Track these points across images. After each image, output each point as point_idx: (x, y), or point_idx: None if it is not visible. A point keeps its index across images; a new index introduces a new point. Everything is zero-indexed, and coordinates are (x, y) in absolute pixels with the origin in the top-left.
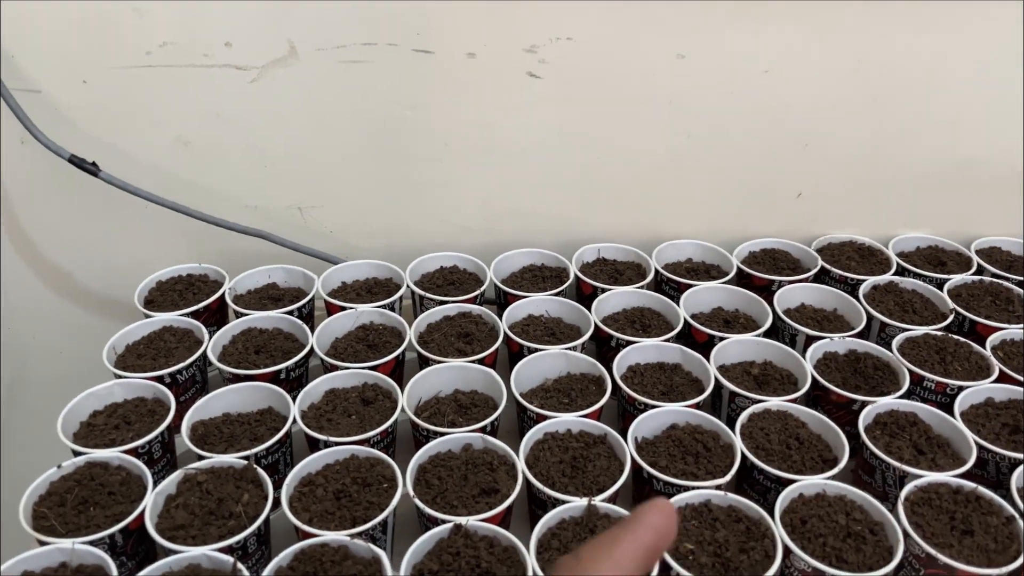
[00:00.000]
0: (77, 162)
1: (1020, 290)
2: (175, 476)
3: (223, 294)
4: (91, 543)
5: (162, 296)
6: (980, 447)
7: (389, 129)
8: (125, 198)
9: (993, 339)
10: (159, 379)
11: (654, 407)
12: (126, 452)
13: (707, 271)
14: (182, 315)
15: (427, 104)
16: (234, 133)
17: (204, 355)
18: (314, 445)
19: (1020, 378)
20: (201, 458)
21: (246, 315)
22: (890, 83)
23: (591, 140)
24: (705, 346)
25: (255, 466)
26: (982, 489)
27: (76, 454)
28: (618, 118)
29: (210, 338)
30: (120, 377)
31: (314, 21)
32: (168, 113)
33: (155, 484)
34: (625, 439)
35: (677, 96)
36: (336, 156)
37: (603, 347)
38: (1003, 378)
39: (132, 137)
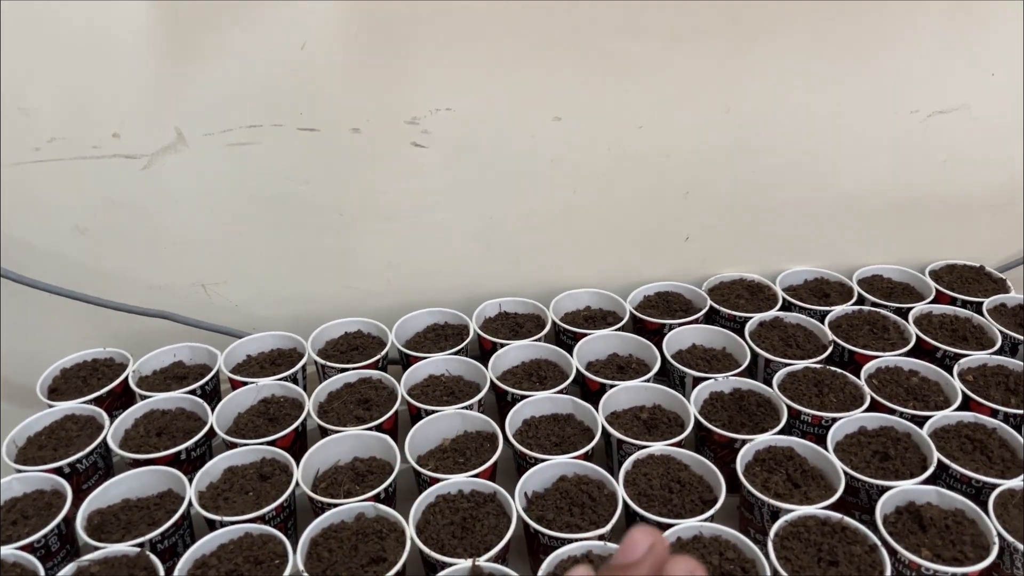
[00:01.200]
0: None
1: (895, 317)
2: (68, 570)
3: (127, 377)
4: None
5: (66, 383)
6: (849, 476)
7: (284, 204)
8: (26, 289)
9: (868, 368)
10: (58, 470)
11: (543, 460)
12: (21, 548)
13: (604, 318)
14: (84, 402)
15: (318, 177)
16: (131, 219)
17: (105, 441)
18: (211, 525)
19: (891, 405)
20: (95, 548)
21: (149, 397)
22: (759, 128)
23: (484, 200)
24: (598, 393)
25: (148, 553)
26: (847, 519)
27: None
28: (505, 179)
29: (113, 422)
30: (20, 471)
31: (199, 108)
32: (63, 204)
33: None
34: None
35: (558, 155)
36: (235, 233)
37: (500, 402)
38: (875, 406)
39: (29, 229)
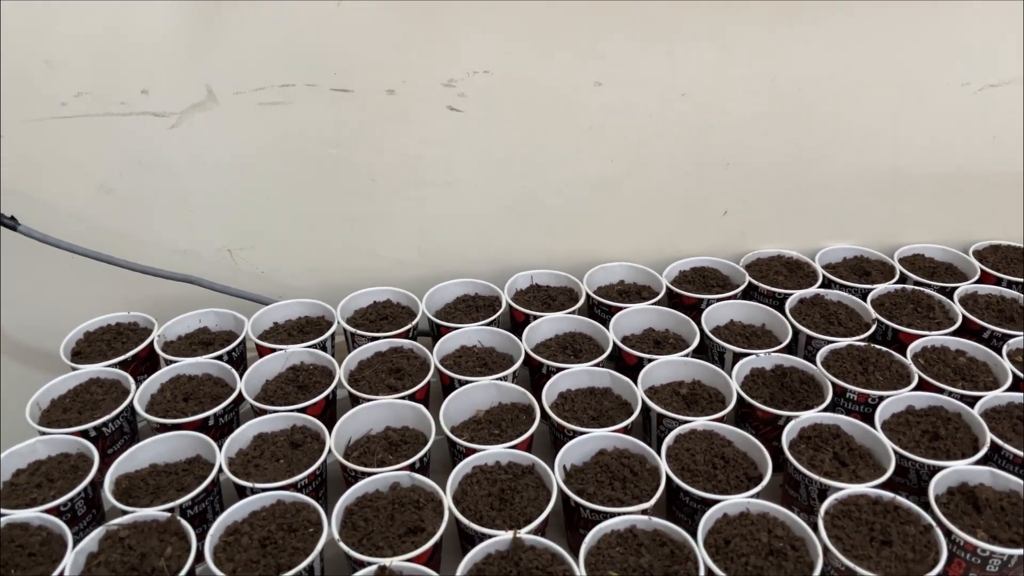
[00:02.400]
0: None
1: (941, 297)
2: (96, 533)
3: (152, 342)
4: None
5: (90, 347)
6: (899, 456)
7: (314, 168)
8: (48, 250)
9: (914, 347)
10: (84, 433)
11: (582, 433)
12: (47, 511)
13: (639, 292)
14: (109, 366)
15: (350, 141)
16: (157, 179)
17: (131, 406)
18: (241, 492)
19: (940, 384)
20: (124, 513)
21: (175, 362)
22: (804, 100)
23: (517, 169)
24: (635, 368)
25: (179, 518)
26: (900, 499)
27: None
28: (541, 146)
29: (138, 387)
30: (44, 434)
31: (230, 65)
32: (88, 162)
33: (77, 541)
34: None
35: (598, 123)
36: (263, 197)
37: (535, 375)
38: (923, 385)
39: (53, 188)
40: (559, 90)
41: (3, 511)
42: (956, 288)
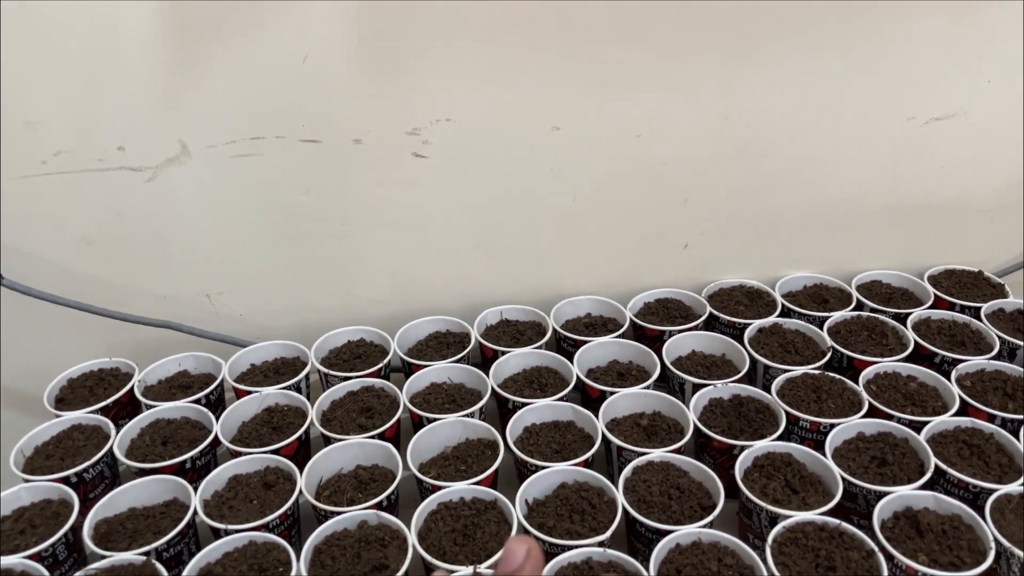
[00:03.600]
0: None
1: (893, 323)
2: None
3: (132, 387)
4: None
5: (73, 393)
6: (847, 482)
7: (287, 214)
8: (32, 300)
9: (866, 373)
10: (65, 480)
11: (543, 467)
12: (29, 557)
13: (604, 325)
14: (91, 412)
15: (320, 188)
16: (136, 230)
17: (111, 451)
18: (216, 533)
19: (888, 411)
20: (102, 557)
21: (155, 406)
22: (756, 135)
23: (483, 210)
24: (599, 400)
25: (154, 561)
26: (845, 525)
27: None
28: (506, 188)
29: (119, 432)
30: (28, 480)
31: (202, 120)
32: (69, 216)
33: None
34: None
35: (558, 164)
36: (238, 243)
37: (502, 408)
38: (873, 412)
39: (35, 241)
40: (519, 135)
41: None
42: (910, 313)
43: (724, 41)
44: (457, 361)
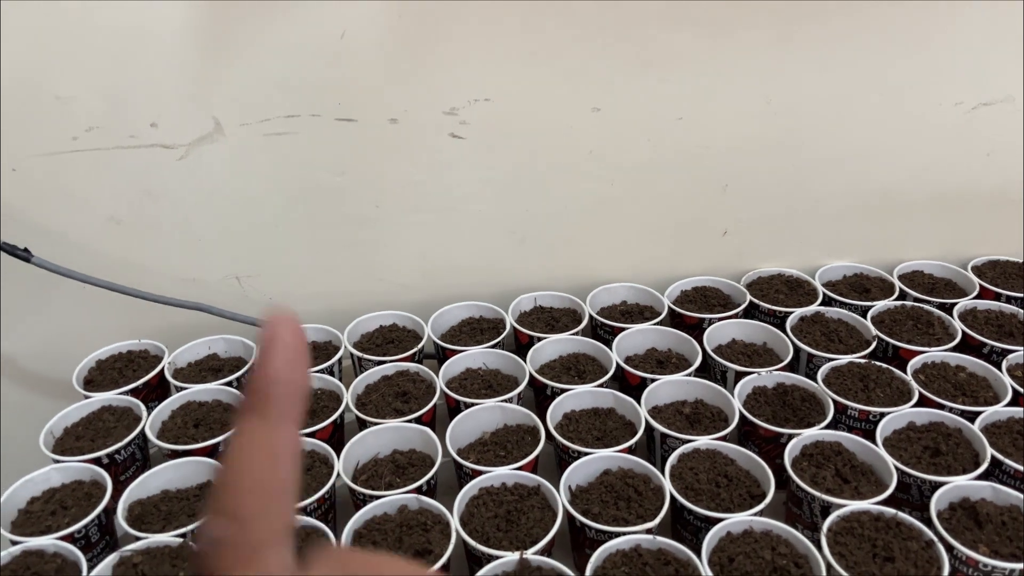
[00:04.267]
0: (8, 249)
1: (940, 312)
2: (110, 560)
3: (162, 369)
4: None
5: (102, 375)
6: (901, 472)
7: (320, 195)
8: (60, 280)
9: (914, 363)
10: (97, 460)
11: (587, 454)
12: (62, 539)
13: (641, 312)
14: (120, 393)
15: (354, 169)
16: (166, 209)
17: (143, 433)
18: None
19: (940, 400)
20: (137, 539)
21: (185, 389)
22: (800, 120)
23: (519, 193)
24: (638, 388)
25: (190, 543)
26: (902, 515)
27: (13, 543)
28: (542, 171)
29: (149, 414)
30: (58, 461)
31: (237, 98)
32: (98, 194)
33: (91, 568)
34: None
35: (597, 147)
36: (269, 225)
37: (539, 396)
38: (924, 401)
39: (64, 220)
40: (558, 116)
41: (19, 539)
42: (955, 304)
43: (768, 22)
44: (493, 347)
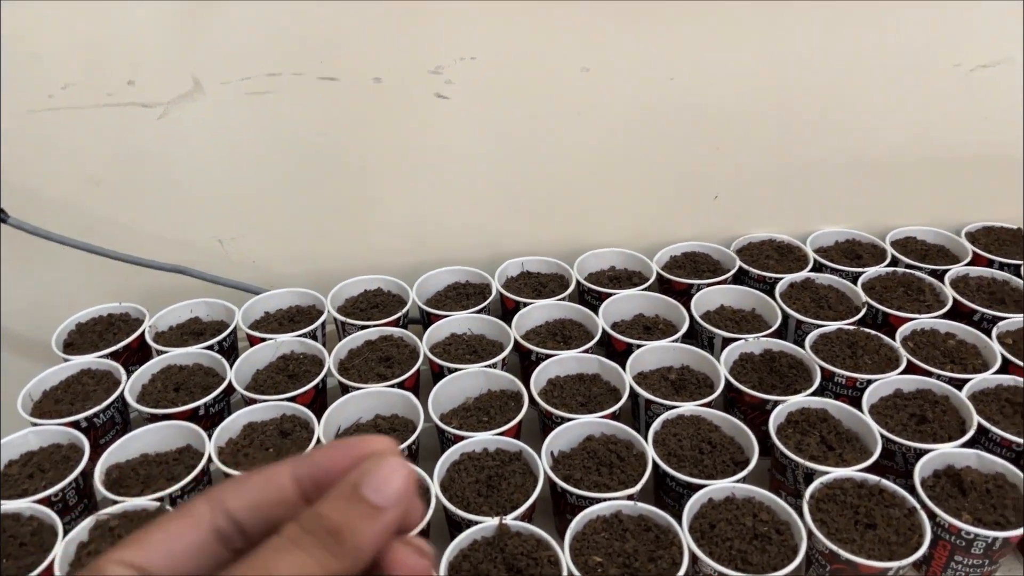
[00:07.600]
0: None
1: (931, 279)
2: (86, 523)
3: (143, 332)
4: None
5: (82, 338)
6: (886, 439)
7: (303, 156)
8: (39, 241)
9: (903, 330)
10: (75, 424)
11: (570, 419)
12: (38, 501)
13: (629, 278)
14: (101, 357)
15: (338, 130)
16: (146, 169)
17: (122, 396)
18: None
19: (928, 367)
20: (114, 502)
21: (166, 352)
22: (794, 82)
23: (506, 156)
24: (624, 354)
25: (167, 507)
26: (885, 482)
27: None
28: (530, 133)
29: (129, 377)
30: (36, 424)
31: (217, 55)
32: (76, 153)
33: (68, 531)
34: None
35: (586, 108)
36: (252, 186)
37: (525, 361)
38: (912, 368)
39: (41, 180)
40: (546, 76)
41: None
42: (948, 270)
43: None
44: (478, 312)
